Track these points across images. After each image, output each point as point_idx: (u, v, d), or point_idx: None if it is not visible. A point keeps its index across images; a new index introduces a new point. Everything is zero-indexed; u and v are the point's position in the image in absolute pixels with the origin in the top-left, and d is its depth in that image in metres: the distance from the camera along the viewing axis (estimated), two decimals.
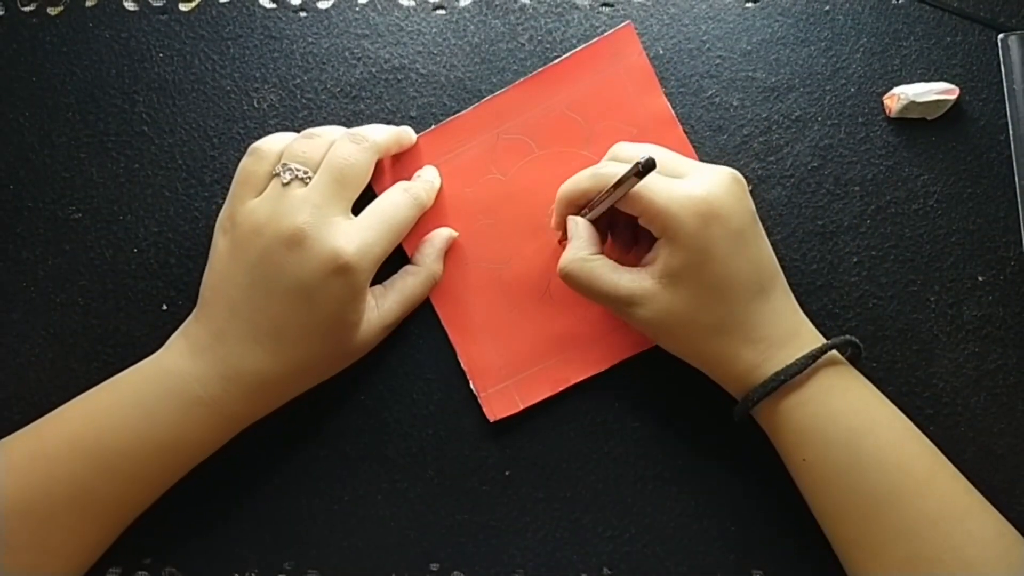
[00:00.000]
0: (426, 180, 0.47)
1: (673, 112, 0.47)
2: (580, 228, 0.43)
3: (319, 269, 0.40)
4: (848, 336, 0.42)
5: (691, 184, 0.41)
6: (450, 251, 0.47)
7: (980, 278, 0.47)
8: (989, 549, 0.38)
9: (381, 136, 0.45)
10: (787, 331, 0.41)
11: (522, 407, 0.46)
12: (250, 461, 0.46)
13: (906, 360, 0.46)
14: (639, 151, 0.43)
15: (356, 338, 0.43)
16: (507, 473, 0.47)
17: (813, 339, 0.42)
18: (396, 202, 0.44)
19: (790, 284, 0.43)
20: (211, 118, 0.49)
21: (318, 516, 0.47)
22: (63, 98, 0.49)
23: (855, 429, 0.40)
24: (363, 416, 0.47)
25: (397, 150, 0.47)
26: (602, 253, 0.43)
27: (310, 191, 0.41)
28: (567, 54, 0.48)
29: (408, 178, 0.47)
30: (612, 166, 0.43)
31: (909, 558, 0.38)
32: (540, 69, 0.48)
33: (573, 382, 0.46)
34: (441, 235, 0.47)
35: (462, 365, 0.47)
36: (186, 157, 0.49)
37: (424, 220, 0.47)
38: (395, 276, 0.46)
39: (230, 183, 0.44)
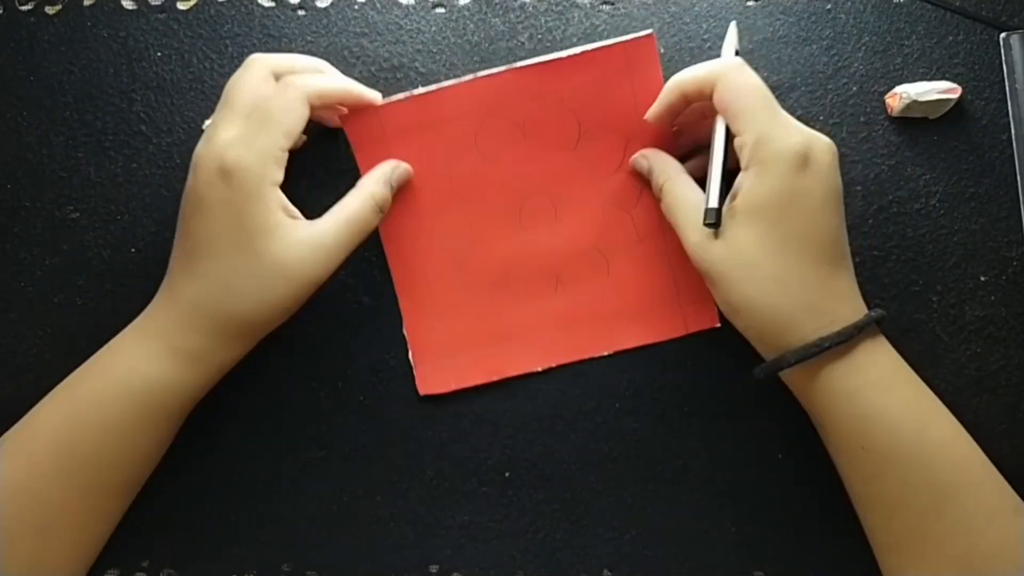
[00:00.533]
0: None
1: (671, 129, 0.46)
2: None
3: (204, 178, 0.41)
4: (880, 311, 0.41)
5: (796, 125, 0.40)
6: (416, 222, 0.46)
7: (982, 278, 0.46)
8: None
9: (313, 81, 0.42)
10: (850, 312, 0.40)
11: (454, 387, 0.46)
12: (249, 462, 0.46)
13: (908, 360, 0.45)
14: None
15: (276, 248, 0.41)
16: (507, 474, 0.46)
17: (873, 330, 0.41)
18: (281, 103, 0.42)
19: None
20: (209, 117, 0.48)
21: (317, 517, 0.46)
22: (61, 97, 0.49)
23: (919, 420, 0.40)
24: (362, 417, 0.47)
25: (340, 99, 0.44)
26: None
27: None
28: (579, 49, 0.45)
29: (384, 146, 0.45)
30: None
31: (964, 554, 0.38)
32: (551, 57, 0.45)
33: (509, 375, 0.46)
34: (392, 163, 0.45)
35: (405, 333, 0.47)
36: (184, 156, 0.48)
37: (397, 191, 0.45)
38: None
39: None
